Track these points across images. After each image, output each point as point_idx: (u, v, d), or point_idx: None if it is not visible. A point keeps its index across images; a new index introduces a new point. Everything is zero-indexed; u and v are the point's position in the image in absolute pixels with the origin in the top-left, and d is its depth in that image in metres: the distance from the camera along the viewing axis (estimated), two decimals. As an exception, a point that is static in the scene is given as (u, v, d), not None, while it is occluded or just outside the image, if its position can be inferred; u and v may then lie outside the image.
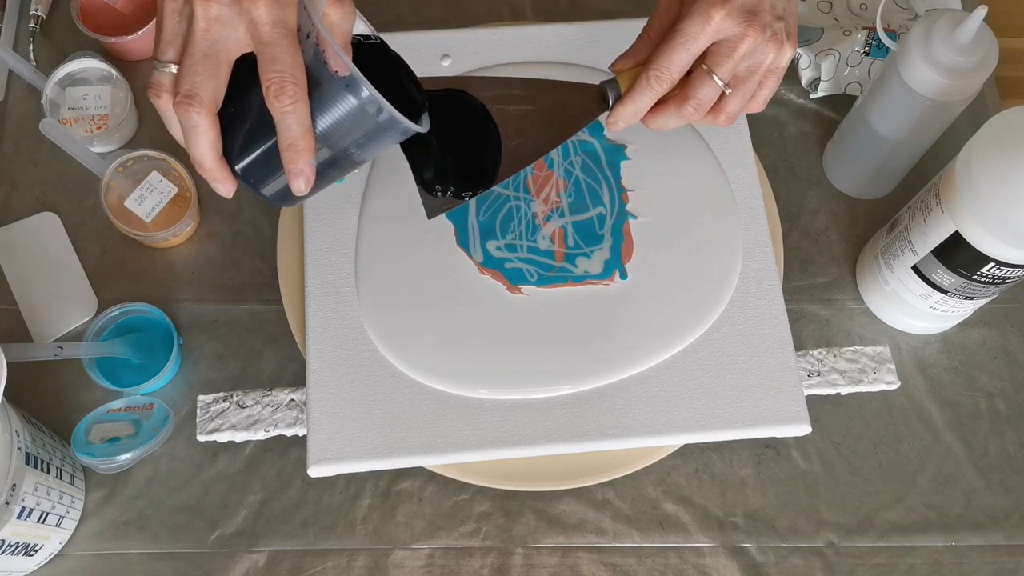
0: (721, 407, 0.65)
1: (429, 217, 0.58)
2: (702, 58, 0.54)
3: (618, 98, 0.57)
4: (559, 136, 0.58)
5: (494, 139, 0.56)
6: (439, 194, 0.57)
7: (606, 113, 0.58)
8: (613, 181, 0.71)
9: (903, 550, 0.68)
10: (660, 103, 0.56)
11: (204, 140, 0.47)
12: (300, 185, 0.49)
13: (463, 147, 0.57)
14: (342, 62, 0.45)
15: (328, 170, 0.51)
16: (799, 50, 0.78)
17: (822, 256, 0.76)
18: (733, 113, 0.56)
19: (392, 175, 0.71)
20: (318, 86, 0.47)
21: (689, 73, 0.55)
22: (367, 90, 0.46)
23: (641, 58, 0.56)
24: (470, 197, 0.58)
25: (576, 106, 0.57)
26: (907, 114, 0.67)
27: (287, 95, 0.45)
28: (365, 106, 0.47)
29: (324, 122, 0.48)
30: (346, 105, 0.47)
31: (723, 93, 0.55)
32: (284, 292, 0.71)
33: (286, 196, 0.51)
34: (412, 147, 0.56)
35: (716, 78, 0.54)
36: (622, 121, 0.56)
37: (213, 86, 0.46)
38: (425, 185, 0.57)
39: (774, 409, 0.65)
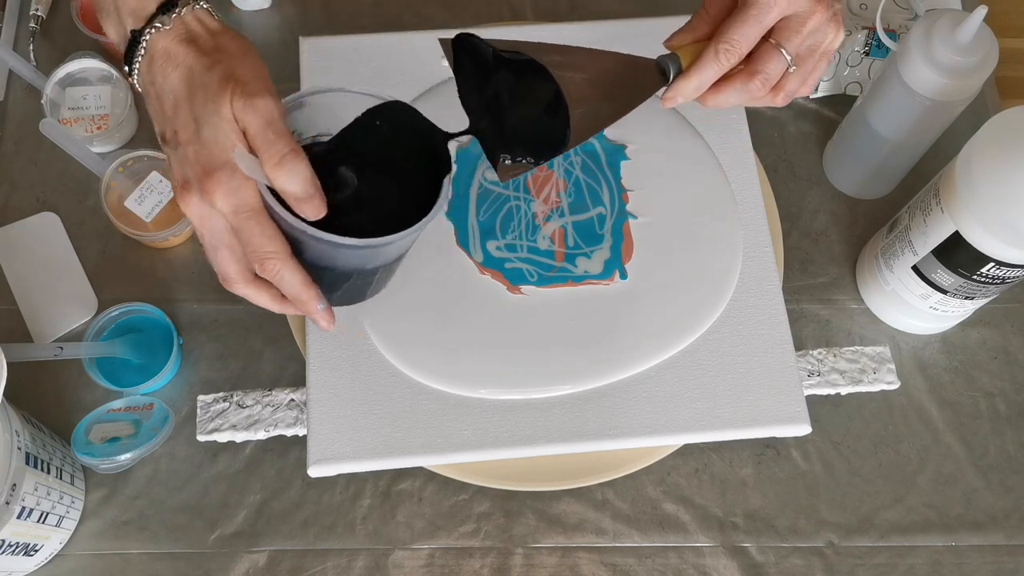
0: (721, 407, 0.65)
1: (502, 181, 0.57)
2: (769, 33, 0.54)
3: (679, 73, 0.55)
4: (619, 110, 0.56)
5: (563, 104, 0.53)
6: (509, 161, 0.55)
7: (663, 89, 0.56)
8: (613, 181, 0.71)
9: (903, 550, 0.68)
10: (722, 79, 0.55)
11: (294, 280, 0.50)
12: (322, 324, 0.52)
13: (532, 112, 0.55)
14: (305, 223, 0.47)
15: (369, 279, 0.52)
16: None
17: (822, 256, 0.76)
18: (792, 92, 0.55)
19: (392, 175, 0.71)
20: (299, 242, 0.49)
21: (754, 49, 0.54)
22: (326, 238, 0.46)
23: (701, 34, 0.56)
24: (542, 163, 0.56)
25: (635, 80, 0.55)
26: (907, 114, 0.67)
27: (268, 270, 0.48)
28: (341, 247, 0.47)
29: (325, 262, 0.49)
30: (328, 249, 0.48)
31: (787, 70, 0.54)
32: (284, 292, 0.71)
33: (354, 301, 0.55)
34: (478, 111, 0.56)
35: (784, 52, 0.53)
36: (681, 96, 0.55)
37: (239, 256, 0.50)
38: (494, 152, 0.56)
39: (774, 409, 0.65)
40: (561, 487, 0.68)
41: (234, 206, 0.47)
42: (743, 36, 0.53)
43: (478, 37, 0.54)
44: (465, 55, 0.56)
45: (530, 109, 0.55)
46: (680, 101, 0.55)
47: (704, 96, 0.55)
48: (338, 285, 0.52)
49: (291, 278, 0.49)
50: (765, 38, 0.54)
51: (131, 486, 0.68)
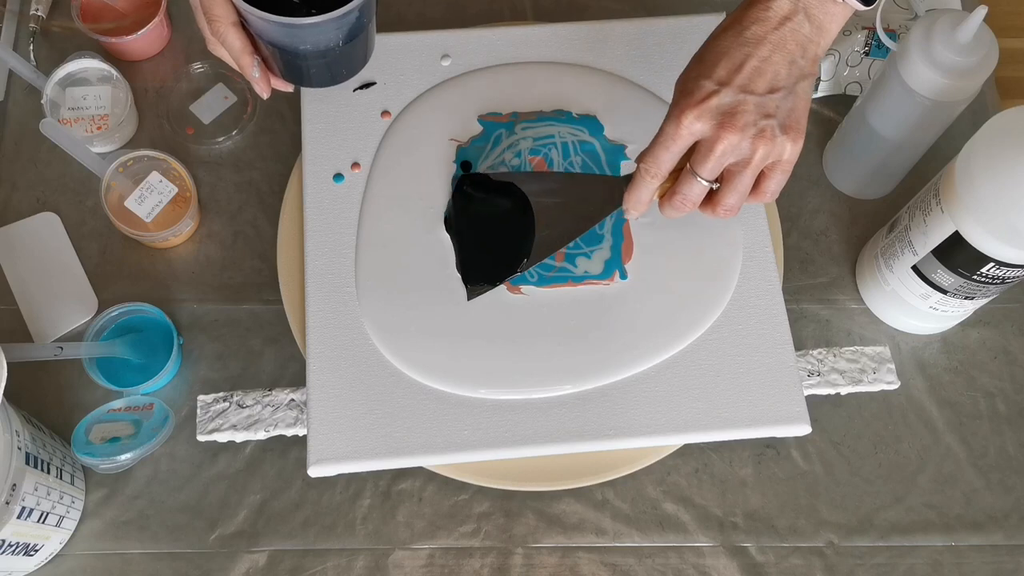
0: (721, 407, 0.65)
1: (469, 299, 0.67)
2: (690, 154, 0.57)
3: None
4: (582, 227, 0.65)
5: (531, 231, 0.66)
6: (479, 284, 0.67)
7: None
8: (613, 181, 0.71)
9: (903, 550, 0.68)
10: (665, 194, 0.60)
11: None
12: (256, 89, 0.61)
13: (504, 238, 0.67)
14: None
15: (305, 63, 0.60)
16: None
17: (822, 256, 0.76)
18: (731, 206, 0.58)
19: (392, 176, 0.71)
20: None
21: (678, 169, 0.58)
22: (241, 3, 0.55)
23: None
24: (500, 283, 0.67)
25: (601, 197, 0.63)
26: (907, 114, 0.67)
27: (215, 30, 0.58)
28: (247, 15, 0.56)
29: (265, 37, 0.58)
30: (258, 23, 0.56)
31: (711, 188, 0.57)
32: (284, 292, 0.71)
33: (308, 82, 0.64)
34: (463, 243, 0.68)
35: (697, 176, 0.56)
36: (631, 208, 0.60)
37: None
38: (469, 278, 0.67)
39: (774, 409, 0.65)
40: (561, 487, 0.68)
41: None
42: (656, 160, 0.57)
43: (480, 174, 0.70)
44: (467, 184, 0.69)
45: (503, 235, 0.67)
46: (634, 215, 0.60)
47: (660, 209, 0.61)
48: (282, 61, 0.60)
49: (232, 40, 0.58)
50: (686, 158, 0.57)
51: (131, 486, 0.68)
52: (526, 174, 0.69)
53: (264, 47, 0.59)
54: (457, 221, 0.69)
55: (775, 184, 0.57)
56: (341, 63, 0.62)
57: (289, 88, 0.63)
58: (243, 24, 0.58)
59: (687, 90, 0.55)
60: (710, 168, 0.55)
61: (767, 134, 0.54)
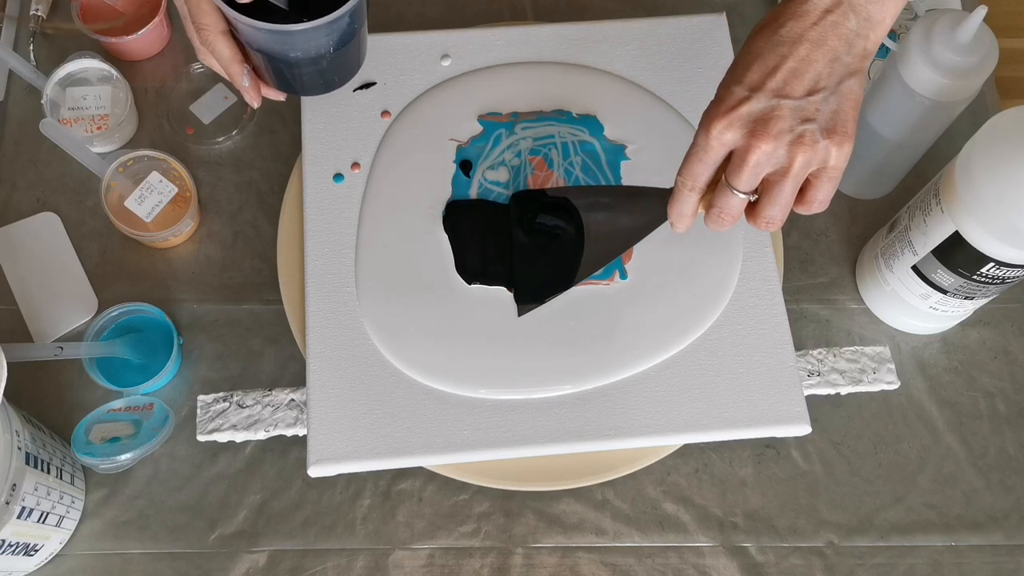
0: (721, 407, 0.65)
1: (520, 315, 0.67)
2: (724, 167, 0.53)
3: None
4: (630, 241, 0.64)
5: (580, 245, 0.66)
6: (530, 303, 0.67)
7: None
8: (613, 181, 0.71)
9: (903, 550, 0.68)
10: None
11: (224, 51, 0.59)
12: (246, 99, 0.61)
13: (555, 254, 0.67)
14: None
15: (295, 71, 0.60)
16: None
17: (822, 256, 0.76)
18: (771, 218, 0.54)
19: (392, 175, 0.71)
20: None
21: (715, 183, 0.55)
22: (230, 11, 0.54)
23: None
24: (549, 299, 0.67)
25: (650, 210, 0.60)
26: (907, 114, 0.67)
27: (203, 39, 0.57)
28: (237, 22, 0.55)
29: (255, 45, 0.57)
30: (248, 31, 0.56)
31: (749, 200, 0.54)
32: (284, 292, 0.71)
33: (299, 90, 0.64)
34: (516, 262, 0.68)
35: (733, 190, 0.53)
36: (675, 222, 0.57)
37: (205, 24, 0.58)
38: (521, 297, 0.67)
39: (774, 409, 0.65)
40: (561, 487, 0.68)
41: None
42: (690, 172, 0.53)
43: (535, 190, 0.70)
44: (519, 202, 0.69)
45: (553, 253, 0.67)
46: (680, 229, 0.57)
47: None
48: (272, 69, 0.60)
49: (221, 49, 0.58)
50: (722, 170, 0.54)
51: (131, 486, 0.68)
52: (578, 188, 0.69)
53: (254, 55, 0.58)
54: (513, 240, 0.68)
55: (823, 193, 0.53)
56: (333, 70, 0.61)
57: (280, 97, 0.63)
58: (232, 33, 0.57)
59: (719, 97, 0.52)
60: (745, 180, 0.52)
61: (806, 140, 0.50)
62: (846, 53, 0.51)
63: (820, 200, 0.54)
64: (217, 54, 0.58)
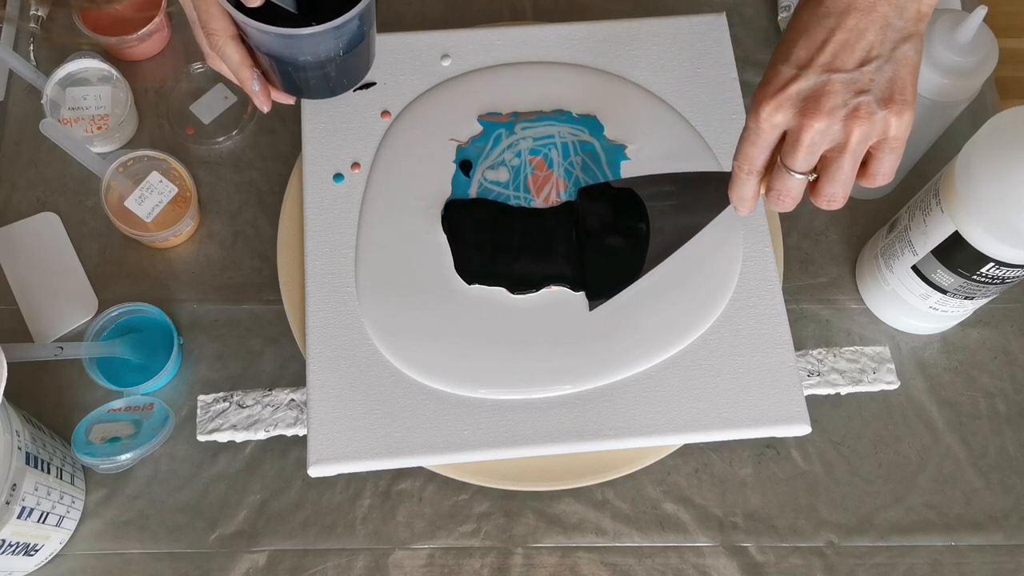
0: (721, 407, 0.65)
1: (591, 310, 0.67)
2: (779, 148, 0.52)
3: None
4: (694, 228, 0.64)
5: (646, 236, 0.66)
6: (600, 299, 0.67)
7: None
8: (613, 181, 0.71)
9: (903, 550, 0.68)
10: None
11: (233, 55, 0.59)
12: (256, 103, 0.61)
13: (621, 247, 0.67)
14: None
15: (304, 75, 0.60)
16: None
17: (822, 256, 0.76)
18: (832, 195, 0.52)
19: (392, 176, 0.71)
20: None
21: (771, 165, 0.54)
22: (239, 15, 0.54)
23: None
24: (618, 292, 0.67)
25: (713, 196, 0.60)
26: (907, 114, 0.67)
27: (213, 44, 0.57)
28: (246, 26, 0.55)
29: (264, 49, 0.57)
30: (257, 35, 0.56)
31: (808, 180, 0.52)
32: (284, 292, 0.71)
33: (309, 94, 0.63)
34: (585, 258, 0.67)
35: (788, 169, 0.51)
36: (737, 206, 0.56)
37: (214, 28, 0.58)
38: (593, 294, 0.67)
39: (774, 409, 0.65)
40: (561, 487, 0.68)
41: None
42: (745, 156, 0.53)
43: (600, 184, 0.70)
44: (586, 197, 0.69)
45: (619, 246, 0.67)
46: (743, 212, 0.56)
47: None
48: (282, 73, 0.60)
49: (231, 54, 0.57)
50: (777, 151, 0.52)
51: (131, 486, 0.68)
52: (641, 178, 0.68)
53: (263, 60, 0.58)
54: (580, 236, 0.68)
55: (886, 165, 0.51)
56: (342, 73, 0.61)
57: (290, 100, 0.63)
58: (241, 37, 0.57)
59: (766, 78, 0.50)
60: (801, 160, 0.50)
61: (862, 113, 0.48)
62: (898, 17, 0.48)
63: (884, 172, 0.52)
64: (227, 59, 0.58)
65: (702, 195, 0.62)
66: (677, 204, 0.65)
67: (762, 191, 0.55)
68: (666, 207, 0.65)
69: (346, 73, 0.62)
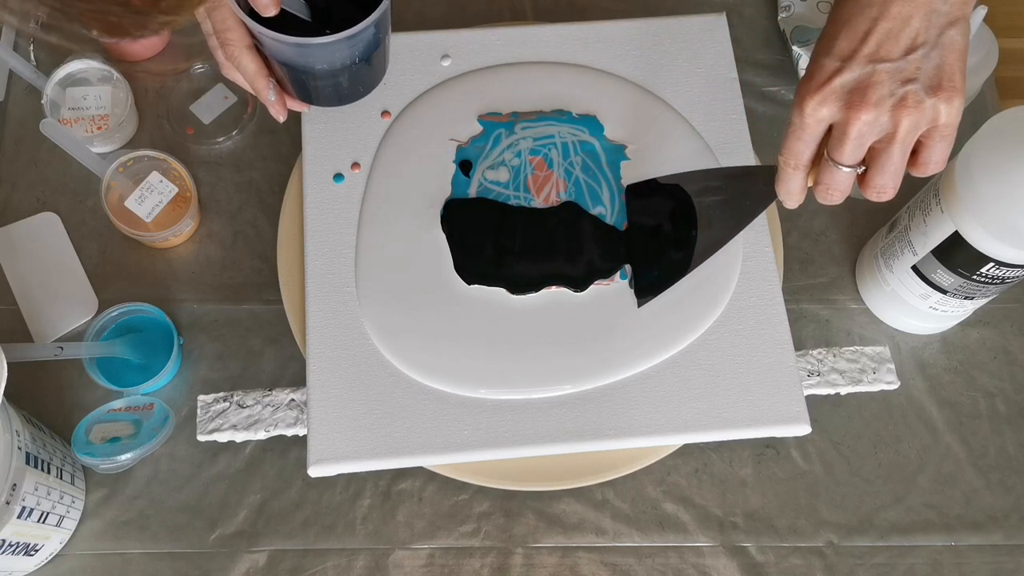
0: (721, 407, 0.65)
1: (639, 307, 0.67)
2: (826, 142, 0.52)
3: None
4: (742, 223, 0.63)
5: (693, 232, 0.65)
6: (648, 296, 0.67)
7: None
8: (613, 181, 0.71)
9: (903, 550, 0.68)
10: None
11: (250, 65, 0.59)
12: (272, 112, 0.62)
13: (669, 243, 0.66)
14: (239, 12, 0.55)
15: (311, 82, 0.60)
16: (799, 50, 0.78)
17: (822, 256, 0.76)
18: (882, 186, 0.51)
19: (392, 176, 0.71)
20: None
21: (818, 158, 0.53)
22: (255, 25, 0.54)
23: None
24: (666, 289, 0.67)
25: (759, 190, 0.59)
26: (907, 114, 0.67)
27: (229, 54, 0.57)
28: (261, 36, 0.55)
29: (279, 58, 0.57)
30: (272, 44, 0.56)
31: (857, 172, 0.52)
32: (284, 292, 0.71)
33: (324, 102, 0.64)
34: (634, 255, 0.68)
35: (835, 163, 0.51)
36: (785, 200, 0.55)
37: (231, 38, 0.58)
38: (641, 290, 0.67)
39: (774, 409, 0.65)
40: (561, 487, 0.68)
41: (207, 5, 0.55)
42: (791, 151, 0.52)
43: (647, 180, 0.69)
44: (633, 194, 0.69)
45: (667, 242, 0.66)
46: (791, 205, 0.55)
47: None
48: (297, 82, 0.60)
49: (247, 63, 0.58)
50: (824, 145, 0.52)
51: (131, 486, 0.68)
52: (688, 174, 0.67)
53: (278, 69, 0.58)
54: (630, 234, 0.68)
55: (938, 154, 0.50)
56: (357, 81, 0.61)
57: (305, 108, 0.63)
58: (257, 47, 0.57)
59: (809, 72, 0.50)
60: (848, 153, 0.49)
61: (909, 102, 0.47)
62: (943, 2, 0.47)
63: (935, 161, 0.51)
64: (242, 69, 0.58)
65: (749, 189, 0.61)
66: (724, 199, 0.64)
67: (810, 183, 0.54)
68: (713, 202, 0.64)
69: (361, 81, 0.61)
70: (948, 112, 0.48)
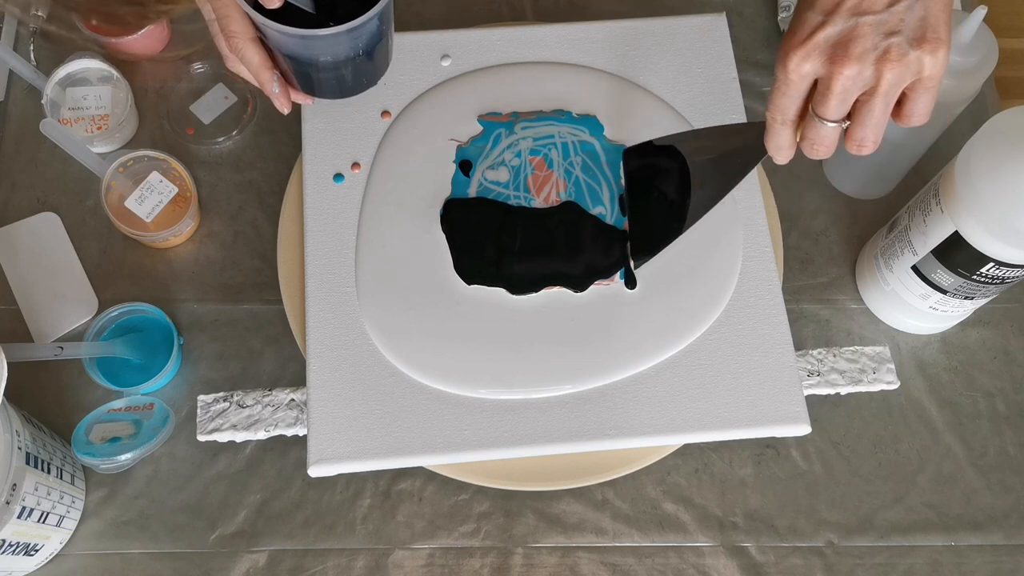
0: (721, 407, 0.65)
1: (636, 268, 0.68)
2: (811, 98, 0.51)
3: None
4: (732, 180, 0.61)
5: (686, 192, 0.64)
6: (644, 258, 0.67)
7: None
8: (613, 181, 0.71)
9: (903, 550, 0.68)
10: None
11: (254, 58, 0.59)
12: (276, 104, 0.62)
13: (664, 204, 0.66)
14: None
15: (315, 74, 0.60)
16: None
17: (822, 256, 0.76)
18: (863, 139, 0.51)
19: (392, 176, 0.71)
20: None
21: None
22: (259, 17, 0.54)
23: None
24: (661, 250, 0.66)
25: (750, 146, 0.59)
26: (907, 114, 0.67)
27: (233, 47, 0.57)
28: (266, 28, 0.55)
29: (283, 50, 0.57)
30: (275, 36, 0.56)
31: (840, 126, 0.52)
32: (284, 292, 0.71)
33: (328, 94, 0.64)
34: (632, 220, 0.68)
35: (819, 118, 0.51)
36: (775, 155, 0.55)
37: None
38: (637, 253, 0.67)
39: (774, 409, 0.65)
40: (561, 487, 0.68)
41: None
42: (777, 107, 0.52)
43: (644, 143, 0.68)
44: (632, 157, 0.69)
45: (662, 204, 0.66)
46: (781, 160, 0.55)
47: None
48: (301, 74, 0.60)
49: (251, 56, 0.58)
50: (809, 100, 0.52)
51: (131, 486, 0.68)
52: (681, 134, 0.66)
53: (283, 61, 0.58)
54: (629, 200, 0.69)
55: (921, 106, 0.50)
56: (361, 73, 0.61)
57: (309, 101, 0.63)
58: (261, 40, 0.57)
59: (791, 28, 0.49)
60: (832, 108, 0.49)
61: (892, 55, 0.47)
62: None
63: (919, 113, 0.50)
64: (247, 61, 0.58)
65: (740, 146, 0.61)
66: (716, 157, 0.63)
67: (797, 138, 0.54)
68: (706, 161, 0.64)
69: (365, 73, 0.62)
70: (933, 64, 0.48)
